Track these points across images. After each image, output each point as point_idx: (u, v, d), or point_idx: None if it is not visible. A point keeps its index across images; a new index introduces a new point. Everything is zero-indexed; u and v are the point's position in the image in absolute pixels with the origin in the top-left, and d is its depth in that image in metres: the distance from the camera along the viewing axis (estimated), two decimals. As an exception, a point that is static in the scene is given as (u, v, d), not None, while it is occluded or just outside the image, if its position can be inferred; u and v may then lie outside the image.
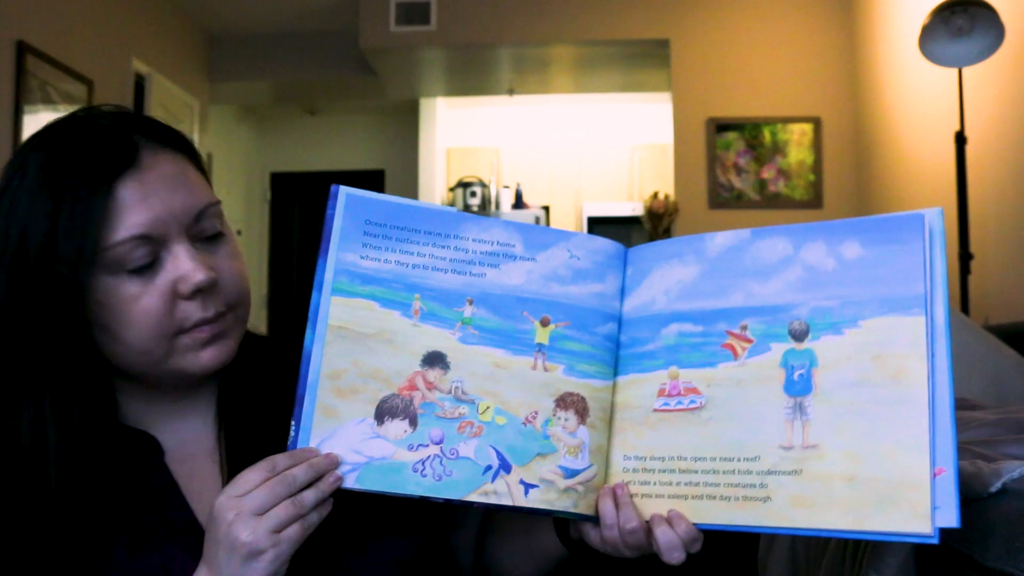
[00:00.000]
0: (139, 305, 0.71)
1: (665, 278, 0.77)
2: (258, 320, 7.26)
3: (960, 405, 1.34)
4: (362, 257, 0.74)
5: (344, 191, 0.75)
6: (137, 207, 0.70)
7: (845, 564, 1.00)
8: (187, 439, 0.79)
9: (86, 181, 0.69)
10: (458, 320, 0.75)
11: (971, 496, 0.84)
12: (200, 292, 0.73)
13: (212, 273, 0.73)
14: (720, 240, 0.75)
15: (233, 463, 0.71)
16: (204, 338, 0.75)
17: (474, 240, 0.76)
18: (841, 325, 0.68)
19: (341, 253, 0.74)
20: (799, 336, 0.69)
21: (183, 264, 0.72)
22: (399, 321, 0.74)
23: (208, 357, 0.75)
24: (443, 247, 0.76)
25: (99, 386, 0.75)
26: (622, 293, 0.78)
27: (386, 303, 0.74)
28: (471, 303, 0.75)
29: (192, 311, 0.73)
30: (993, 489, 0.83)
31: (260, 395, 0.81)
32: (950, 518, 0.62)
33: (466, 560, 0.92)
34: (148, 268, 0.72)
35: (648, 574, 0.81)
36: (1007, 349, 1.73)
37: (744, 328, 0.72)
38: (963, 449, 0.98)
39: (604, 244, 0.78)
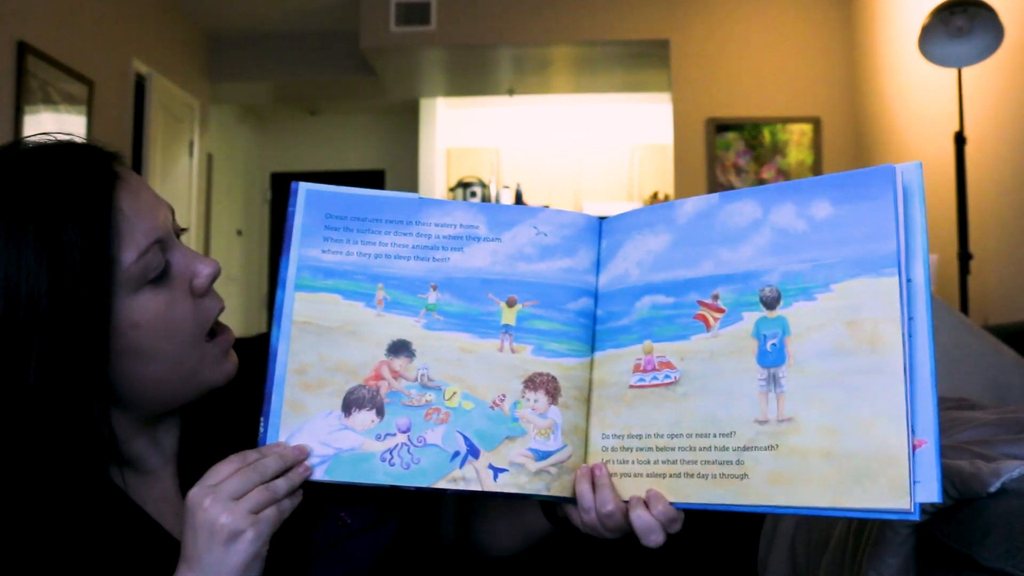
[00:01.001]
0: (175, 311, 0.70)
1: (638, 249, 0.74)
2: (259, 320, 7.26)
3: (959, 405, 1.34)
4: (324, 251, 0.75)
5: (304, 187, 0.76)
6: (141, 215, 0.69)
7: (844, 564, 1.00)
8: (156, 462, 0.77)
9: (88, 205, 0.65)
10: (422, 307, 0.74)
11: (970, 496, 0.84)
12: (211, 283, 0.73)
13: (216, 261, 0.74)
14: (689, 207, 0.73)
15: (192, 467, 0.69)
16: (226, 346, 0.75)
17: (436, 224, 0.76)
18: (813, 290, 0.65)
19: (303, 249, 0.75)
20: (770, 303, 0.67)
21: (191, 260, 0.72)
22: (363, 312, 0.74)
23: (230, 365, 0.75)
24: (405, 234, 0.75)
25: (102, 430, 0.69)
26: (597, 267, 0.76)
27: (349, 295, 0.74)
28: (435, 289, 0.74)
29: (210, 306, 0.73)
30: (992, 489, 0.83)
31: (221, 400, 0.79)
32: (931, 493, 0.59)
33: (448, 537, 0.92)
34: (163, 275, 0.70)
35: (639, 560, 0.81)
36: (1006, 349, 1.73)
37: (715, 297, 0.69)
38: (962, 449, 0.98)
39: (574, 218, 0.77)
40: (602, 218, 0.78)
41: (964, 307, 2.84)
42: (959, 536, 0.82)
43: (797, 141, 4.58)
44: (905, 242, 0.63)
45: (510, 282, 0.75)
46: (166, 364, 0.70)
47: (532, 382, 0.73)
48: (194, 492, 0.65)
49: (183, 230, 0.76)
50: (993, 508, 0.81)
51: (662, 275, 0.73)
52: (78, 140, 0.71)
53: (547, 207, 0.80)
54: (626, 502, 0.69)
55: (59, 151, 0.68)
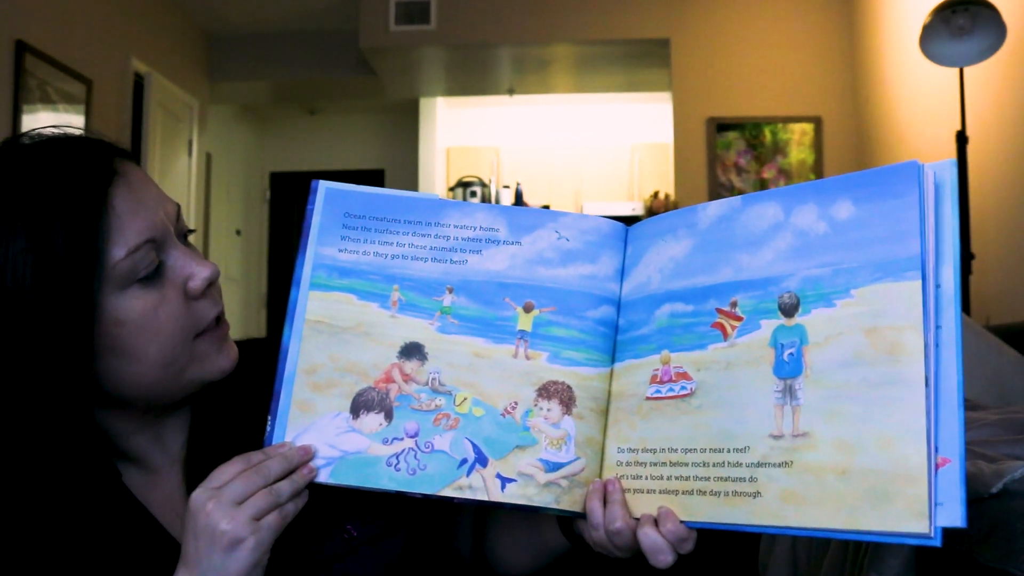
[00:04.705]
0: (162, 313, 0.68)
1: (660, 255, 0.72)
2: (258, 320, 7.26)
3: (961, 405, 1.34)
4: (340, 250, 0.74)
5: (323, 185, 0.75)
6: (136, 213, 0.68)
7: (846, 565, 1.00)
8: (161, 463, 0.76)
9: (79, 200, 0.65)
10: (437, 309, 0.73)
11: (972, 496, 0.84)
12: (209, 287, 0.72)
13: (215, 265, 0.73)
14: (712, 210, 0.70)
15: (200, 469, 0.68)
16: (219, 340, 0.73)
17: (455, 226, 0.74)
18: (833, 296, 0.61)
19: (319, 248, 0.73)
20: (789, 311, 0.63)
21: (187, 263, 0.71)
22: (377, 313, 0.73)
23: (224, 360, 0.74)
24: (423, 235, 0.74)
25: (89, 426, 0.70)
26: (622, 274, 0.74)
27: (364, 295, 0.73)
28: (451, 291, 0.73)
29: (206, 309, 0.72)
30: (994, 490, 0.82)
31: (232, 402, 0.78)
32: (954, 516, 0.54)
33: (466, 548, 0.91)
34: (155, 274, 0.69)
35: (645, 572, 0.79)
36: (1008, 349, 1.73)
37: (734, 305, 0.66)
38: (964, 449, 0.97)
39: (598, 223, 0.74)
40: (629, 224, 0.75)
41: (966, 307, 2.84)
42: (960, 537, 0.81)
43: (798, 140, 4.58)
44: (935, 245, 0.59)
45: (528, 287, 0.73)
46: (150, 365, 0.69)
47: (546, 390, 0.71)
48: (196, 495, 0.64)
49: (190, 231, 0.75)
50: (995, 509, 0.81)
51: (682, 282, 0.70)
52: (87, 134, 0.71)
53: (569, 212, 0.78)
54: (637, 519, 0.67)
55: (61, 144, 0.68)
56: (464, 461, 0.69)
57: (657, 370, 0.69)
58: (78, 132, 0.71)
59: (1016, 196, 2.89)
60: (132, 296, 0.68)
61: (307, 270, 0.73)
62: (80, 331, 0.65)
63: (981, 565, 0.78)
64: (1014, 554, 0.76)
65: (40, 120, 3.81)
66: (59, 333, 0.64)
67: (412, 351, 0.72)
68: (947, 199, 0.60)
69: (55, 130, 0.71)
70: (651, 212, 4.75)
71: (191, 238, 0.76)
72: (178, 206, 0.74)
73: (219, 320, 0.74)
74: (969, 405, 1.36)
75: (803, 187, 0.66)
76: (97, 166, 0.67)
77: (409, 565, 0.79)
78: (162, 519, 0.74)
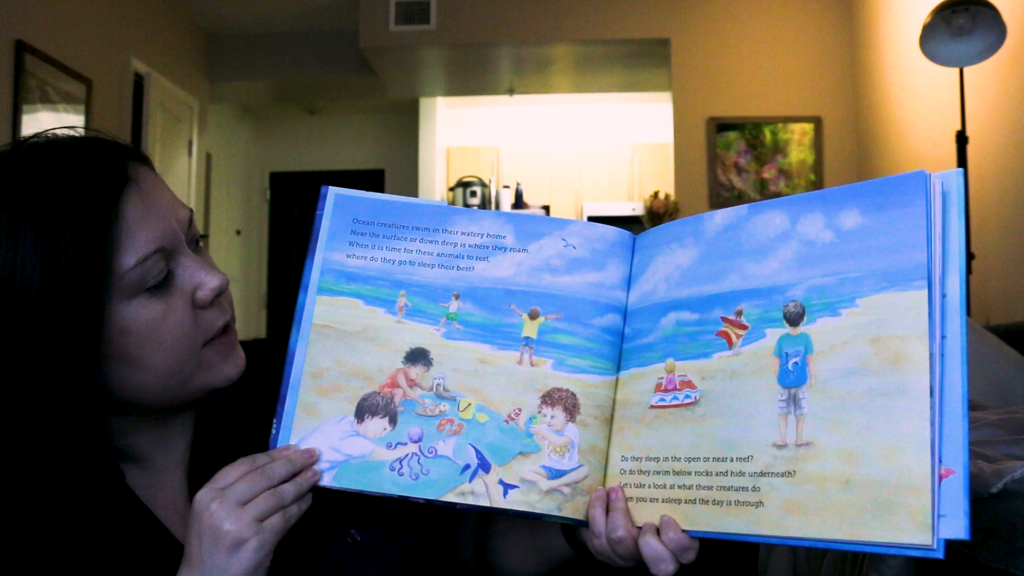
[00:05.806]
0: (168, 323, 0.68)
1: (667, 264, 0.72)
2: (258, 320, 7.25)
3: (961, 405, 1.33)
4: (348, 256, 0.74)
5: (333, 191, 0.76)
6: (147, 221, 0.67)
7: (845, 564, 1.00)
8: (164, 464, 0.77)
9: (90, 206, 0.64)
10: (443, 315, 0.73)
11: (972, 497, 0.84)
12: (217, 297, 0.72)
13: (225, 275, 0.73)
14: (718, 219, 0.70)
15: (204, 471, 0.69)
16: (226, 348, 0.73)
17: (463, 233, 0.75)
18: (838, 305, 0.61)
19: (328, 253, 0.74)
20: (794, 320, 0.63)
21: (196, 272, 0.70)
22: (383, 318, 0.73)
23: (232, 367, 0.74)
24: (431, 242, 0.75)
25: (93, 429, 0.70)
26: (628, 283, 0.74)
27: (370, 300, 0.73)
28: (457, 298, 0.73)
29: (214, 318, 0.72)
30: (995, 490, 0.82)
31: (237, 404, 0.78)
32: (957, 528, 0.54)
33: (468, 554, 0.91)
34: (164, 283, 0.69)
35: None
36: (1008, 349, 1.72)
37: (739, 313, 0.66)
38: (964, 449, 0.97)
39: (604, 231, 0.75)
40: (629, 225, 0.76)
41: (966, 307, 2.83)
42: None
43: (798, 140, 4.58)
44: (942, 255, 0.59)
45: (533, 294, 0.73)
46: (156, 373, 0.69)
47: (550, 397, 0.71)
48: (201, 495, 0.64)
49: (202, 236, 0.75)
50: (995, 509, 0.81)
51: (688, 290, 0.70)
52: (102, 137, 0.71)
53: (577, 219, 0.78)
54: (639, 528, 0.67)
55: (75, 148, 0.68)
56: (467, 467, 0.69)
57: (662, 378, 0.69)
58: (93, 134, 0.71)
59: (1016, 196, 2.89)
60: (139, 305, 0.67)
61: (315, 274, 0.74)
62: (85, 339, 0.65)
63: (981, 565, 0.78)
64: (1014, 554, 0.76)
65: (40, 120, 3.81)
66: (64, 340, 0.64)
67: (417, 356, 0.72)
68: (953, 208, 0.60)
69: (69, 131, 0.70)
70: (651, 212, 4.74)
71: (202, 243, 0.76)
72: (190, 211, 0.74)
73: (227, 328, 0.74)
74: (969, 406, 1.35)
75: (809, 196, 0.66)
76: (109, 172, 0.67)
77: (411, 570, 0.79)
78: (165, 520, 0.74)
